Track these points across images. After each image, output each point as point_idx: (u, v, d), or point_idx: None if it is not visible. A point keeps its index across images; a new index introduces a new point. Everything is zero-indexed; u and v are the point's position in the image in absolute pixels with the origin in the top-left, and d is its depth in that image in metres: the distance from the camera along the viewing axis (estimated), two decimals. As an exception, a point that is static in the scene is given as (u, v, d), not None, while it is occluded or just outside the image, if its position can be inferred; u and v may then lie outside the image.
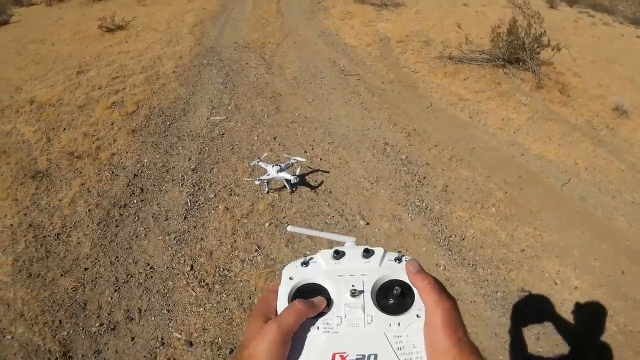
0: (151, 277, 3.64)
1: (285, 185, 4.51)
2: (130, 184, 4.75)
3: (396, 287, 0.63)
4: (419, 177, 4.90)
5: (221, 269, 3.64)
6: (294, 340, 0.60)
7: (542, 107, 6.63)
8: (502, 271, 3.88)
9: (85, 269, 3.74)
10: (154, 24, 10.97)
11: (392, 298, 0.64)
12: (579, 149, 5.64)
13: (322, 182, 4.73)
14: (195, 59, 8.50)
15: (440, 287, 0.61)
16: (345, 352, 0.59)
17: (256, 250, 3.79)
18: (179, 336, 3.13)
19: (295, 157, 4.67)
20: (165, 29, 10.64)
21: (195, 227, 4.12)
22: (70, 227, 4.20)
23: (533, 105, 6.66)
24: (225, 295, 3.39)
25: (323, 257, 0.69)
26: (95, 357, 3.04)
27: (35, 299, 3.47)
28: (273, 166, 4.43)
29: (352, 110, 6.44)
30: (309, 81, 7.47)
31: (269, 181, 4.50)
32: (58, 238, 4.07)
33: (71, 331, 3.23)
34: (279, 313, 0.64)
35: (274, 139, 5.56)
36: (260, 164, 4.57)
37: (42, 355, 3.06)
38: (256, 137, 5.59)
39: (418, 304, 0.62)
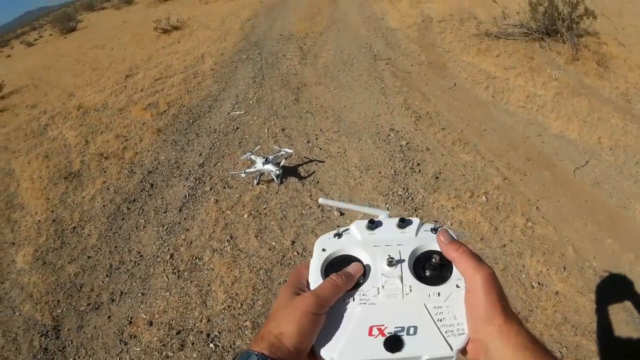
0: (138, 264, 4.23)
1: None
2: (143, 180, 5.42)
3: (434, 256, 0.64)
4: (413, 163, 4.96)
5: (194, 258, 4.13)
6: (329, 314, 0.61)
7: (574, 81, 6.30)
8: (468, 270, 3.73)
9: (89, 257, 4.42)
10: (209, 22, 11.81)
11: (430, 268, 0.64)
12: (606, 126, 5.28)
13: (314, 172, 5.04)
14: (235, 55, 9.12)
15: (476, 255, 0.61)
16: (383, 325, 0.59)
17: (227, 241, 4.24)
18: (145, 316, 3.67)
19: (284, 149, 5.03)
20: (218, 26, 11.42)
21: (185, 219, 4.66)
22: (86, 221, 4.93)
23: (564, 79, 6.34)
24: (189, 282, 3.88)
25: (357, 228, 0.70)
26: (78, 331, 3.67)
27: (44, 282, 4.20)
28: (261, 159, 4.85)
29: (370, 96, 6.63)
30: (338, 69, 7.75)
31: (260, 173, 4.91)
32: (74, 231, 4.82)
33: (65, 309, 3.90)
34: (311, 287, 0.65)
35: (282, 130, 5.95)
36: (251, 156, 4.99)
37: (38, 328, 3.74)
38: (266, 130, 6.02)
39: (457, 275, 0.62)
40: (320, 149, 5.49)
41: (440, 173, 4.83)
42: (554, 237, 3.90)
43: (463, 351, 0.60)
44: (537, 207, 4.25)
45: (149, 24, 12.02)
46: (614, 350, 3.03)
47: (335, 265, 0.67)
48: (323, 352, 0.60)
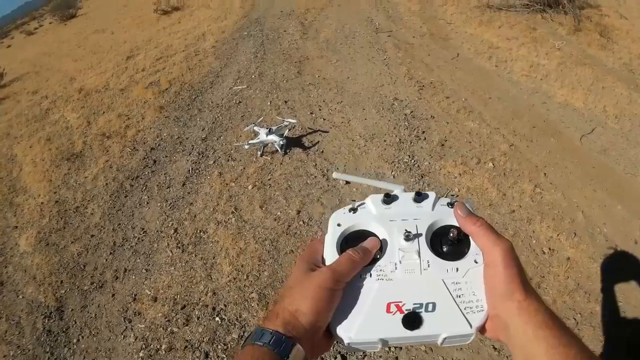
0: (142, 240, 4.06)
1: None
2: (146, 157, 5.25)
3: (452, 231, 0.62)
4: (418, 131, 4.81)
5: (198, 231, 3.96)
6: (345, 291, 0.59)
7: (577, 51, 6.10)
8: (476, 237, 3.58)
9: (92, 236, 4.27)
10: (209, 1, 11.54)
11: (448, 243, 0.62)
12: (611, 95, 5.08)
13: (318, 142, 4.85)
14: (236, 32, 8.88)
15: (494, 229, 0.59)
16: (401, 301, 0.58)
17: (232, 213, 4.06)
18: (149, 293, 3.50)
19: (288, 120, 4.85)
20: (218, 5, 11.16)
21: (189, 193, 4.48)
22: (89, 200, 4.77)
23: (567, 49, 6.15)
24: (194, 256, 3.72)
25: (373, 202, 0.68)
26: (81, 311, 3.52)
27: (47, 263, 4.05)
28: (264, 130, 4.66)
29: (373, 67, 6.43)
30: (340, 42, 7.54)
31: (264, 145, 4.72)
32: (77, 211, 4.66)
33: (68, 289, 3.75)
34: (326, 262, 0.62)
35: (285, 102, 5.76)
36: (254, 128, 4.80)
37: (41, 310, 3.60)
38: (269, 103, 5.82)
39: (475, 250, 0.60)
40: (324, 119, 5.31)
41: (446, 140, 4.68)
42: (563, 203, 3.77)
43: (482, 329, 0.58)
44: (545, 174, 4.12)
45: (149, 6, 11.75)
46: (629, 319, 2.88)
47: (351, 240, 0.65)
48: (340, 330, 0.58)
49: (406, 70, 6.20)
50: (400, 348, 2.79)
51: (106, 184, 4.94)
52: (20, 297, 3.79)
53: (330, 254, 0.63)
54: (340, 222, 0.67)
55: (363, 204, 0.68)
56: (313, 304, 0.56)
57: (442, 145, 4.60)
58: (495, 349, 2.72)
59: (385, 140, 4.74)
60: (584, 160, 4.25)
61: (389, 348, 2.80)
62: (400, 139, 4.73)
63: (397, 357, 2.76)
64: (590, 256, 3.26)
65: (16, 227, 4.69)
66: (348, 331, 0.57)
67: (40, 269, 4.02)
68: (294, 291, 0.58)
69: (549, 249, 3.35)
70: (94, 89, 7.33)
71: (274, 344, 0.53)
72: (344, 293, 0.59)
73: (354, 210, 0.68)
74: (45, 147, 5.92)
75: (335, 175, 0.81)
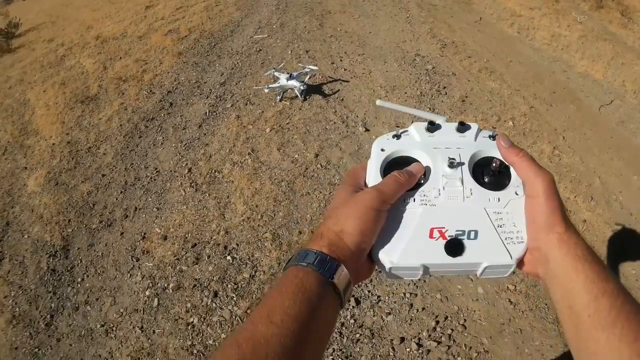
0: (154, 180, 3.85)
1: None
2: (162, 99, 5.02)
3: (495, 161, 0.60)
4: (439, 86, 4.75)
5: (213, 171, 3.75)
6: (388, 214, 0.57)
7: (598, 27, 6.07)
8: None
9: (103, 175, 4.06)
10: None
11: (489, 174, 0.61)
12: (630, 72, 5.02)
13: (338, 90, 4.69)
14: (259, -16, 8.51)
15: (536, 161, 0.57)
16: (443, 227, 0.56)
17: (249, 154, 3.83)
18: (159, 231, 3.29)
19: (309, 66, 4.67)
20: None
21: (205, 134, 4.27)
22: (102, 141, 4.55)
23: (589, 24, 6.13)
24: (207, 195, 3.51)
25: (416, 129, 0.66)
26: (88, 250, 3.33)
27: (55, 203, 3.85)
28: (285, 75, 4.42)
29: (395, 24, 6.32)
30: (362, -1, 7.29)
31: (284, 90, 4.48)
32: (89, 151, 4.45)
33: (75, 228, 3.56)
34: (369, 186, 0.60)
35: (306, 52, 5.53)
36: (275, 73, 4.57)
37: (47, 249, 3.42)
38: (290, 52, 5.57)
39: (516, 182, 0.59)
40: (345, 69, 5.18)
41: (466, 97, 4.64)
42: (581, 167, 3.77)
43: (520, 263, 0.56)
44: (564, 137, 4.14)
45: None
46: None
47: (395, 165, 0.62)
48: (382, 254, 0.56)
49: (429, 29, 6.13)
50: (416, 294, 2.66)
51: (120, 125, 4.71)
52: (26, 236, 3.61)
53: (374, 178, 0.61)
54: (383, 147, 0.65)
55: (406, 131, 0.67)
56: (359, 224, 0.53)
57: (463, 101, 4.55)
58: (511, 302, 2.63)
59: (406, 92, 4.67)
60: (602, 129, 4.25)
61: (404, 294, 2.66)
62: (421, 92, 4.67)
63: (411, 304, 2.59)
64: (606, 221, 3.22)
65: (25, 168, 4.48)
66: (390, 256, 0.55)
67: (48, 208, 3.82)
68: (339, 211, 0.56)
69: (567, 209, 3.13)
70: (111, 36, 7.06)
71: (318, 265, 0.51)
72: (388, 216, 0.57)
73: (397, 136, 0.66)
74: (59, 91, 5.69)
75: (378, 102, 0.78)
